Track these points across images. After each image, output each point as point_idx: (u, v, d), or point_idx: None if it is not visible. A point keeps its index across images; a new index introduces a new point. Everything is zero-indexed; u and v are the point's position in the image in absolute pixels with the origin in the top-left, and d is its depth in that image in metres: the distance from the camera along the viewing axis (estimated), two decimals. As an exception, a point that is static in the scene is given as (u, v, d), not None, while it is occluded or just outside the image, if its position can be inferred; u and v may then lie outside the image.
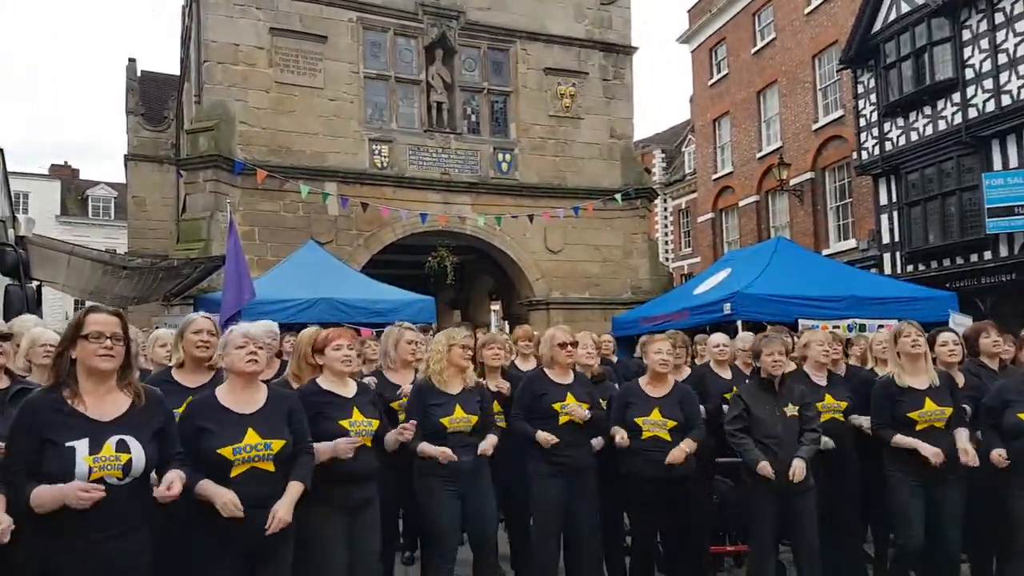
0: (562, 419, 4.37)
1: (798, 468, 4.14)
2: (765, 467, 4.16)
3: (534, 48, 15.68)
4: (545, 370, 4.62)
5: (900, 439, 4.24)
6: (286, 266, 11.28)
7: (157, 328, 5.47)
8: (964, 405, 4.46)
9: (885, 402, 4.38)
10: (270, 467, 3.11)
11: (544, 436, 4.33)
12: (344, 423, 3.55)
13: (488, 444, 4.11)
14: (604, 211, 15.54)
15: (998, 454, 4.05)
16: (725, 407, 4.89)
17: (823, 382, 4.90)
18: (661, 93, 79.78)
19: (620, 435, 4.43)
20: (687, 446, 4.42)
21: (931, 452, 4.11)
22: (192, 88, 15.01)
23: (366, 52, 14.42)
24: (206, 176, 12.71)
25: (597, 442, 4.68)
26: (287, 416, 3.26)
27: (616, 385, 5.25)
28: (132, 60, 24.66)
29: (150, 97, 24.17)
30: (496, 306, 20.97)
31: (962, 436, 4.25)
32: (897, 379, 4.34)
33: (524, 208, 14.78)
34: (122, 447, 2.67)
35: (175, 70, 22.83)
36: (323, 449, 3.41)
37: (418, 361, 4.67)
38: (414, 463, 4.11)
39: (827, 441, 4.63)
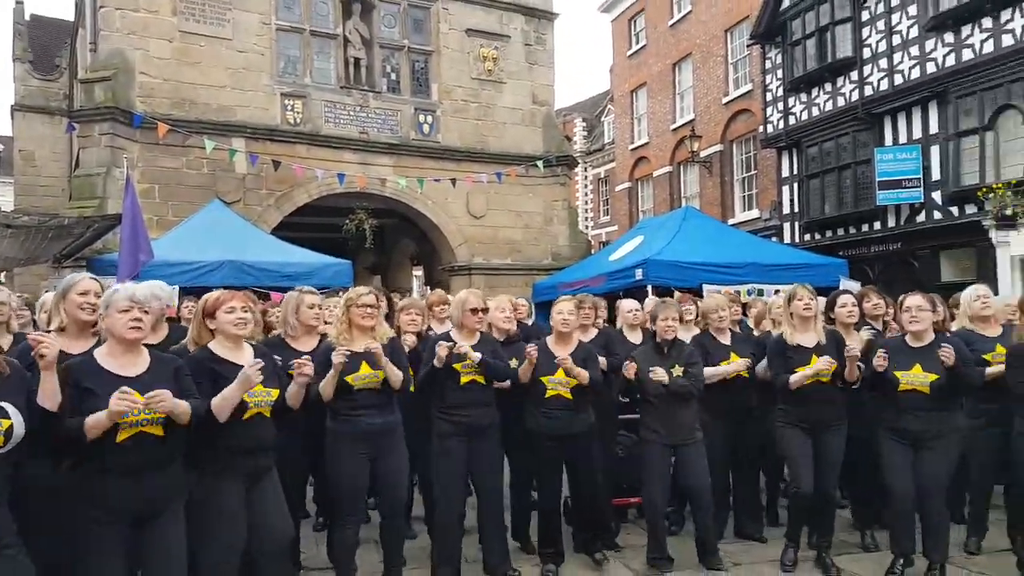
0: (463, 379, 4.41)
1: (658, 371, 4.57)
2: (629, 368, 4.62)
3: (455, 7, 15.52)
4: (451, 332, 4.62)
5: (796, 377, 4.56)
6: (188, 226, 10.86)
7: (47, 292, 5.16)
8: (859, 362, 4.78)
9: (779, 357, 4.73)
10: (159, 431, 2.96)
11: (441, 345, 4.32)
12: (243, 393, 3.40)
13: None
14: (526, 177, 15.65)
15: (880, 356, 4.38)
16: None
17: (727, 341, 5.29)
18: (583, 62, 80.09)
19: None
20: (581, 375, 4.53)
21: (823, 361, 4.47)
22: (87, 35, 14.19)
23: (278, 3, 13.87)
24: (102, 129, 11.99)
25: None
26: (173, 377, 3.11)
27: (525, 345, 5.38)
28: (19, 2, 22.97)
29: (40, 43, 22.55)
30: (418, 271, 20.91)
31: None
32: (788, 337, 4.67)
33: (446, 172, 14.71)
34: (1, 414, 2.60)
35: (68, 15, 21.42)
36: (228, 395, 3.23)
37: (327, 326, 4.54)
38: (325, 425, 4.07)
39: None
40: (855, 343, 4.81)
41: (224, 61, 13.31)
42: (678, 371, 4.67)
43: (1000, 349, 4.76)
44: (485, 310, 4.67)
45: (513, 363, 4.87)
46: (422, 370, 4.48)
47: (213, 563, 3.32)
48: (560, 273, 14.22)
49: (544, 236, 16.20)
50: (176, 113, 12.72)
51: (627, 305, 6.02)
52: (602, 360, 5.10)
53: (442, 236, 15.44)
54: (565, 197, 16.82)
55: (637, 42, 23.67)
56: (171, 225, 11.62)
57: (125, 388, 2.83)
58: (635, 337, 5.75)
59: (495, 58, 15.85)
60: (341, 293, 7.87)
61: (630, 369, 4.66)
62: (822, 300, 5.09)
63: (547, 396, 4.57)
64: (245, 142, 13.20)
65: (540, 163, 15.43)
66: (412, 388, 4.60)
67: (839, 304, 5.03)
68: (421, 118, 15.15)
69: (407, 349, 4.82)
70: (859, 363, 4.62)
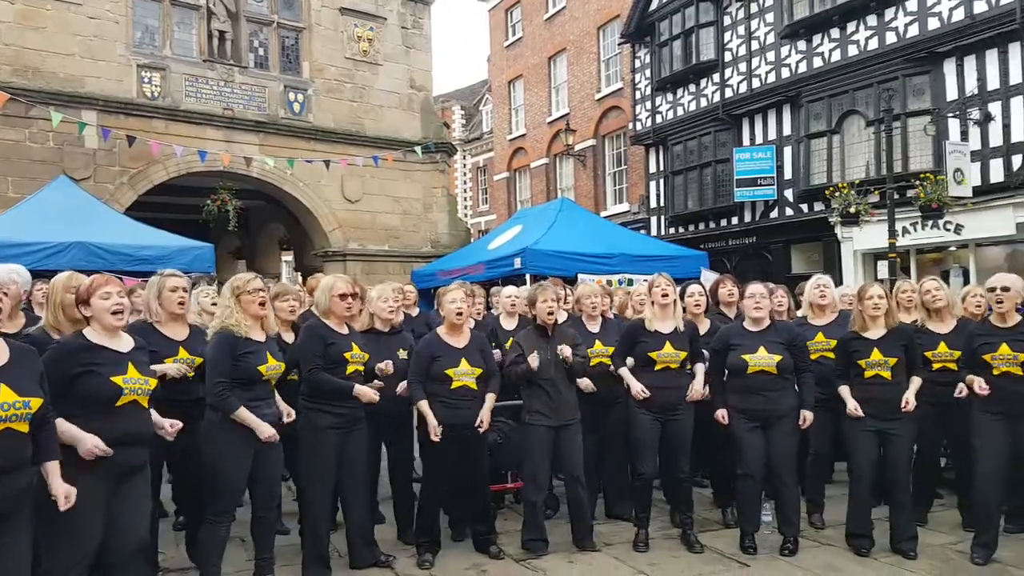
0: (349, 369, 4.31)
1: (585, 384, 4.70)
2: (533, 358, 4.62)
3: (329, -16, 15.04)
4: (325, 320, 4.44)
5: (623, 372, 4.81)
6: (32, 204, 9.99)
7: None
8: (704, 351, 5.00)
9: (628, 341, 4.89)
10: (24, 428, 2.78)
11: (364, 392, 4.28)
12: (117, 380, 3.22)
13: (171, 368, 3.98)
14: (404, 163, 15.38)
15: (721, 415, 4.72)
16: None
17: (596, 329, 5.44)
18: (462, 49, 79.84)
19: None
20: (490, 403, 4.62)
21: (636, 389, 4.71)
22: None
23: (135, -31, 12.94)
24: None
25: (402, 387, 4.70)
26: (38, 376, 2.92)
27: (410, 336, 5.25)
28: None
29: None
30: (288, 256, 20.15)
31: (698, 372, 4.88)
32: (648, 323, 4.84)
33: (319, 153, 14.22)
34: None
35: None
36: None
37: (207, 313, 4.41)
38: (207, 417, 3.89)
39: (588, 384, 5.14)
40: (703, 331, 5.17)
41: (73, 27, 12.28)
42: (564, 354, 4.71)
43: (820, 337, 5.17)
44: (354, 295, 4.52)
45: (402, 354, 4.84)
46: (315, 369, 4.29)
47: (58, 567, 3.08)
48: (439, 261, 14.16)
49: (423, 223, 16.05)
50: (18, 81, 11.64)
51: (505, 291, 6.08)
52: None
53: (315, 220, 14.95)
54: (444, 184, 16.73)
55: (514, 33, 23.86)
56: (12, 203, 10.67)
57: None
58: (511, 324, 5.81)
59: (371, 39, 15.51)
60: (208, 281, 7.47)
61: (534, 359, 4.64)
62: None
63: (453, 387, 4.53)
64: (96, 115, 12.25)
65: (419, 149, 15.19)
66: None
67: (687, 294, 5.29)
68: (291, 96, 14.59)
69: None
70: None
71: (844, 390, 4.66)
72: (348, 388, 4.26)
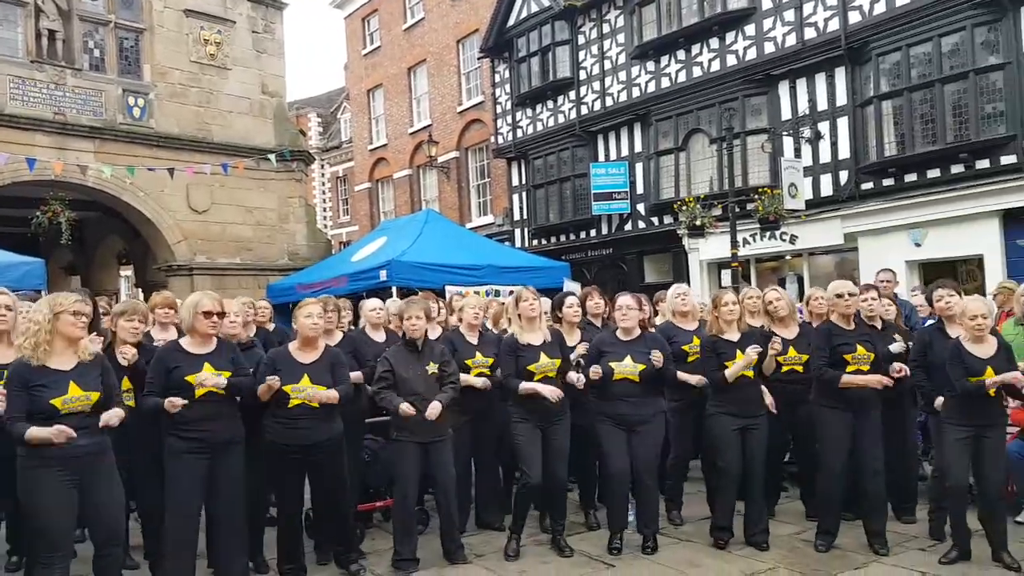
0: (199, 391, 4.09)
1: (433, 408, 4.51)
2: (406, 408, 4.46)
3: (172, -15, 14.22)
4: (181, 341, 4.29)
5: (524, 386, 4.82)
6: None
7: None
8: (579, 357, 5.15)
9: (509, 357, 4.94)
10: None
11: (171, 401, 4.01)
12: None
13: (113, 415, 3.66)
14: (257, 171, 14.71)
15: (591, 372, 4.78)
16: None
17: (475, 341, 5.47)
18: (317, 54, 77.89)
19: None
20: (330, 397, 4.40)
21: (549, 392, 4.74)
22: None
23: (-48, -40, 11.72)
24: None
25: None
26: None
27: (261, 351, 5.09)
28: None
29: None
30: (127, 271, 18.77)
31: (571, 378, 4.93)
32: (519, 337, 4.93)
33: (162, 160, 13.31)
34: None
35: None
36: None
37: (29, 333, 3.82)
38: (18, 452, 3.54)
39: (483, 382, 5.24)
40: (576, 340, 5.32)
41: None
42: (433, 369, 4.70)
43: (696, 340, 5.43)
44: (221, 314, 4.33)
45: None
46: (148, 397, 4.13)
47: None
48: (298, 274, 13.72)
49: (279, 234, 15.41)
50: None
51: (370, 304, 6.00)
52: (355, 375, 5.00)
53: (157, 232, 13.94)
54: (301, 194, 16.16)
55: (372, 42, 23.56)
56: None
57: None
58: (378, 336, 5.75)
59: (218, 42, 14.77)
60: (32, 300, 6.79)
61: (407, 409, 4.49)
62: (547, 301, 5.51)
63: (290, 406, 4.37)
64: (-96, 118, 10.92)
65: (272, 156, 14.58)
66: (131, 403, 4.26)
67: (566, 304, 5.49)
68: (131, 100, 13.61)
69: (126, 362, 4.35)
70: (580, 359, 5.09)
71: (689, 376, 5.09)
72: (155, 405, 4.06)
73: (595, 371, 4.73)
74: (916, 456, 5.74)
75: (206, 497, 4.18)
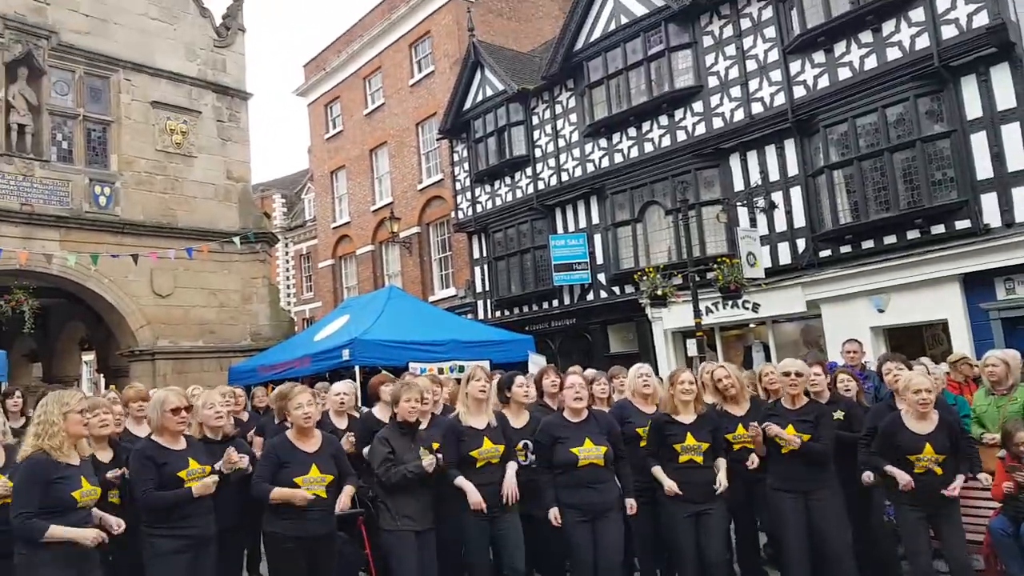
0: (188, 485, 4.10)
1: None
2: (430, 462, 4.39)
3: (139, 79, 14.67)
4: (154, 438, 4.23)
5: (459, 480, 4.54)
6: None
7: None
8: (526, 440, 4.93)
9: (452, 439, 4.68)
10: None
11: (204, 483, 4.08)
12: None
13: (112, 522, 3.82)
14: (221, 254, 14.97)
15: (554, 515, 4.55)
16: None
17: (424, 424, 5.08)
18: (281, 138, 79.06)
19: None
20: (349, 493, 4.45)
21: (473, 500, 4.49)
22: None
23: (-75, 60, 11.99)
24: None
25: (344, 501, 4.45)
26: None
27: (244, 442, 5.04)
28: None
29: None
30: (89, 357, 18.53)
31: (510, 471, 4.68)
32: (463, 418, 4.72)
33: (126, 247, 13.50)
34: None
35: None
36: None
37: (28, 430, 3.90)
38: (16, 549, 3.55)
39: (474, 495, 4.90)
40: (521, 423, 5.03)
41: None
42: (426, 455, 4.50)
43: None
44: (188, 408, 4.35)
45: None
46: (147, 491, 4.06)
47: None
48: (261, 355, 13.72)
49: (242, 315, 15.52)
50: None
51: (336, 388, 5.94)
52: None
53: (120, 318, 13.98)
54: (265, 274, 16.35)
55: (334, 127, 24.23)
56: None
57: None
58: (342, 423, 5.65)
59: (184, 132, 15.19)
60: (17, 395, 6.78)
61: (427, 457, 4.45)
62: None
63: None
64: None
65: (237, 239, 14.83)
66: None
67: (516, 384, 5.09)
68: (97, 189, 13.84)
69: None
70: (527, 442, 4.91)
71: (658, 471, 4.70)
72: (186, 494, 4.07)
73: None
74: (889, 534, 5.24)
75: None
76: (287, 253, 31.01)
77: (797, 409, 4.92)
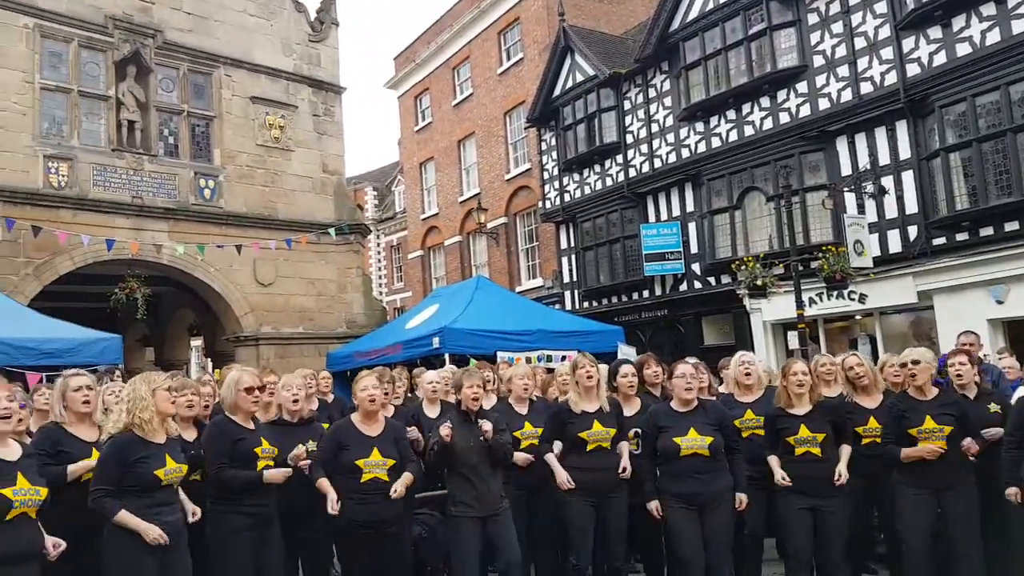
0: (260, 464, 4.22)
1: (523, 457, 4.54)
2: (444, 428, 4.41)
3: (239, 75, 15.17)
4: (230, 417, 4.35)
5: (549, 457, 4.69)
6: None
7: None
8: (637, 428, 4.94)
9: (556, 424, 4.80)
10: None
11: (271, 473, 4.19)
12: (6, 492, 3.12)
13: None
14: (318, 245, 15.39)
15: (655, 507, 4.57)
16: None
17: (524, 411, 5.29)
18: (373, 132, 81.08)
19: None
20: (407, 481, 4.42)
21: (561, 478, 4.61)
22: None
23: (44, 62, 12.77)
24: None
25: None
26: None
27: (320, 427, 5.12)
28: None
29: None
30: (197, 342, 19.49)
31: (623, 451, 4.79)
32: (573, 405, 4.79)
33: (230, 238, 14.03)
34: None
35: None
36: None
37: (110, 411, 4.12)
38: (106, 527, 3.63)
39: (524, 457, 5.00)
40: (633, 410, 5.07)
41: (-22, 120, 11.90)
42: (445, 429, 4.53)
43: (749, 415, 5.04)
44: (262, 388, 4.45)
45: (312, 446, 4.65)
46: (222, 467, 4.19)
47: None
48: (356, 342, 14.03)
49: (338, 303, 15.92)
50: None
51: (428, 377, 5.97)
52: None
53: (226, 305, 14.57)
54: (358, 264, 16.74)
55: (423, 119, 24.53)
56: None
57: None
58: (434, 412, 5.67)
59: (282, 126, 15.63)
60: (117, 374, 7.12)
61: (486, 424, 4.48)
62: (604, 367, 5.31)
63: (363, 480, 4.30)
64: (1, 206, 11.85)
65: (332, 231, 15.31)
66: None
67: (620, 374, 5.20)
68: (202, 183, 14.42)
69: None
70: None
71: (773, 460, 4.62)
72: (257, 477, 4.18)
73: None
74: None
75: (257, 569, 4.21)
76: (378, 244, 31.73)
77: (931, 400, 4.59)
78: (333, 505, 4.17)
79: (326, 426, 5.06)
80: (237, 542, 4.10)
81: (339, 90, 16.86)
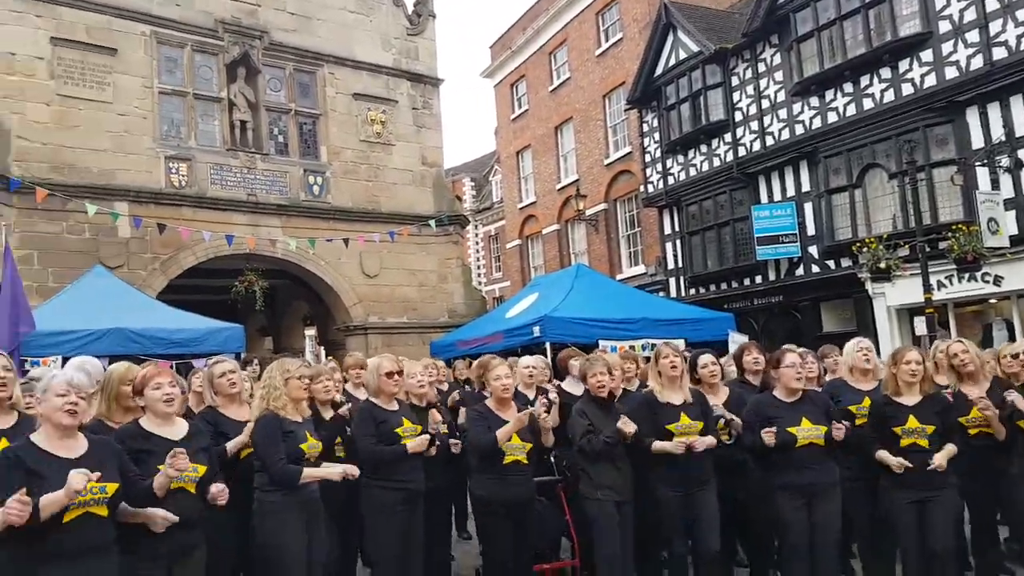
0: (405, 442, 4.46)
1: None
2: (632, 430, 4.44)
3: (342, 73, 15.58)
4: (372, 400, 4.65)
5: (657, 444, 4.54)
6: (70, 293, 10.31)
7: None
8: (726, 416, 4.81)
9: (645, 413, 4.66)
10: (104, 512, 2.98)
11: (413, 443, 4.42)
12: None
13: (347, 468, 4.15)
14: (419, 236, 15.73)
15: (764, 435, 4.38)
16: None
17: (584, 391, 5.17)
18: (469, 123, 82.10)
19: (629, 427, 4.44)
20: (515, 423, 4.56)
21: (673, 445, 4.45)
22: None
23: (161, 67, 13.56)
24: None
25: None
26: (117, 461, 3.13)
27: (446, 409, 5.37)
28: None
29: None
30: (311, 331, 20.33)
31: (710, 437, 4.61)
32: (658, 395, 4.66)
33: (338, 232, 14.53)
34: None
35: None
36: (53, 500, 2.84)
37: (255, 393, 4.46)
38: (256, 496, 3.98)
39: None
40: (719, 400, 4.94)
41: (105, 125, 12.81)
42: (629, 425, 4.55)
43: (867, 402, 4.78)
44: (400, 372, 4.70)
45: (442, 429, 4.91)
46: (369, 445, 4.48)
47: None
48: (457, 331, 14.20)
49: (439, 294, 16.21)
50: (55, 177, 12.12)
51: (524, 361, 6.03)
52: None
53: (336, 296, 15.14)
54: (458, 255, 16.97)
55: (520, 106, 24.42)
56: (51, 292, 11.01)
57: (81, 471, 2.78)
58: (529, 395, 5.70)
59: (383, 121, 15.97)
60: (256, 363, 7.47)
61: (631, 426, 4.47)
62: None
63: (506, 462, 4.48)
64: (128, 206, 12.68)
65: (432, 222, 15.60)
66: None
67: (700, 364, 5.09)
68: (311, 179, 14.94)
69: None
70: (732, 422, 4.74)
71: (883, 454, 4.38)
72: (402, 450, 4.45)
73: (769, 433, 4.31)
74: None
75: (406, 542, 4.47)
76: (476, 235, 32.02)
77: None
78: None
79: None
80: (391, 516, 4.38)
81: (437, 82, 17.03)
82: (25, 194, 11.39)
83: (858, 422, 4.69)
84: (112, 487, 2.98)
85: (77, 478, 2.77)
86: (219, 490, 3.43)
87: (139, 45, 13.28)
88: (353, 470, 4.12)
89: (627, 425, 4.44)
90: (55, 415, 2.99)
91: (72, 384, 3.05)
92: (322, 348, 18.33)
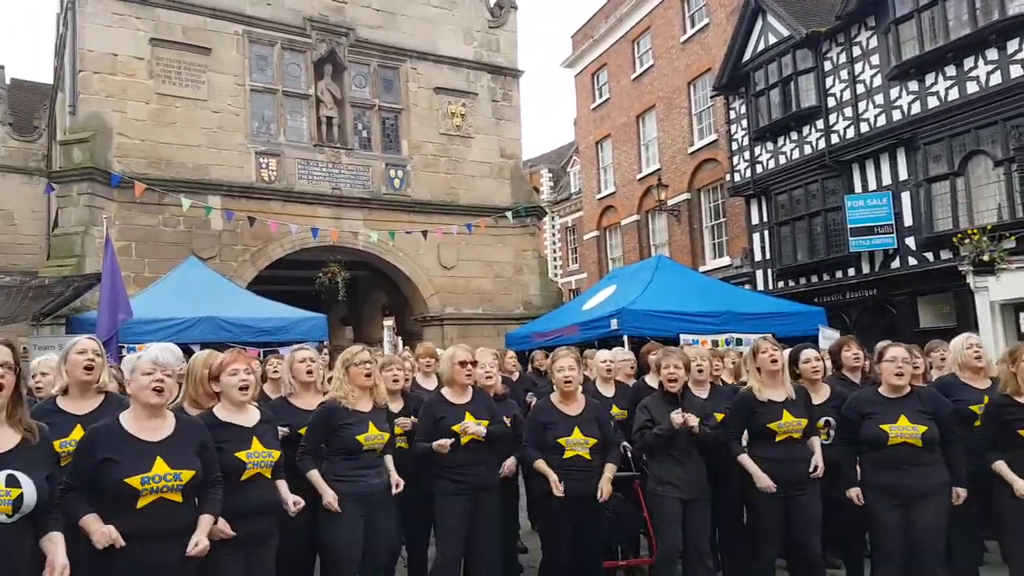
0: (464, 438, 4.40)
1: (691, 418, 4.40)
2: (681, 416, 4.34)
3: (424, 67, 15.77)
4: (443, 392, 4.63)
5: (744, 460, 4.44)
6: (165, 283, 10.82)
7: (38, 358, 5.02)
8: (828, 417, 4.75)
9: (742, 414, 4.56)
10: (178, 498, 3.01)
11: (440, 443, 4.37)
12: (241, 455, 3.42)
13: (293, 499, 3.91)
14: (495, 228, 15.79)
15: (855, 494, 4.29)
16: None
17: (704, 395, 5.04)
18: (548, 114, 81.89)
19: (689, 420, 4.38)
20: (610, 473, 4.49)
21: (764, 484, 4.34)
22: (66, 98, 14.14)
23: (252, 65, 14.12)
24: (80, 189, 12.12)
25: (510, 463, 4.79)
26: (198, 446, 3.15)
27: (515, 402, 5.30)
28: (0, 67, 22.89)
29: (20, 106, 22.61)
30: (389, 322, 20.80)
31: (815, 445, 4.53)
32: (757, 393, 4.52)
33: (417, 224, 14.82)
34: (12, 482, 2.61)
35: (47, 78, 21.55)
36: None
37: (328, 381, 4.59)
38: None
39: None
40: (821, 398, 4.79)
41: (200, 121, 13.44)
42: (691, 418, 4.46)
43: (988, 401, 4.55)
44: (475, 362, 4.68)
45: (506, 420, 4.89)
46: (419, 442, 4.53)
47: None
48: (533, 323, 14.16)
49: (515, 285, 16.26)
50: (153, 172, 12.83)
51: (601, 355, 5.94)
52: None
53: (414, 287, 15.42)
54: (534, 247, 16.96)
55: (601, 95, 24.12)
56: (148, 282, 11.60)
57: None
58: (609, 391, 5.68)
59: (463, 114, 16.10)
60: (325, 351, 7.72)
61: (692, 419, 4.38)
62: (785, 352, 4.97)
63: (566, 457, 4.44)
64: (221, 199, 13.29)
65: (509, 214, 15.66)
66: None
67: (803, 360, 4.91)
68: (392, 173, 15.23)
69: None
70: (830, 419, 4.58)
71: (1000, 467, 4.12)
72: (426, 449, 4.41)
73: (677, 414, 4.31)
74: None
75: (468, 537, 4.46)
76: (553, 226, 31.90)
77: None
78: (557, 487, 4.33)
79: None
80: (449, 503, 4.43)
81: (517, 74, 17.02)
82: (125, 189, 12.12)
83: (977, 423, 4.52)
84: (187, 474, 3.00)
85: (101, 537, 2.78)
86: (294, 501, 3.57)
87: (232, 44, 13.84)
88: (298, 505, 3.74)
89: (679, 417, 4.32)
90: (142, 393, 3.06)
91: (158, 362, 3.10)
92: (399, 338, 18.72)
